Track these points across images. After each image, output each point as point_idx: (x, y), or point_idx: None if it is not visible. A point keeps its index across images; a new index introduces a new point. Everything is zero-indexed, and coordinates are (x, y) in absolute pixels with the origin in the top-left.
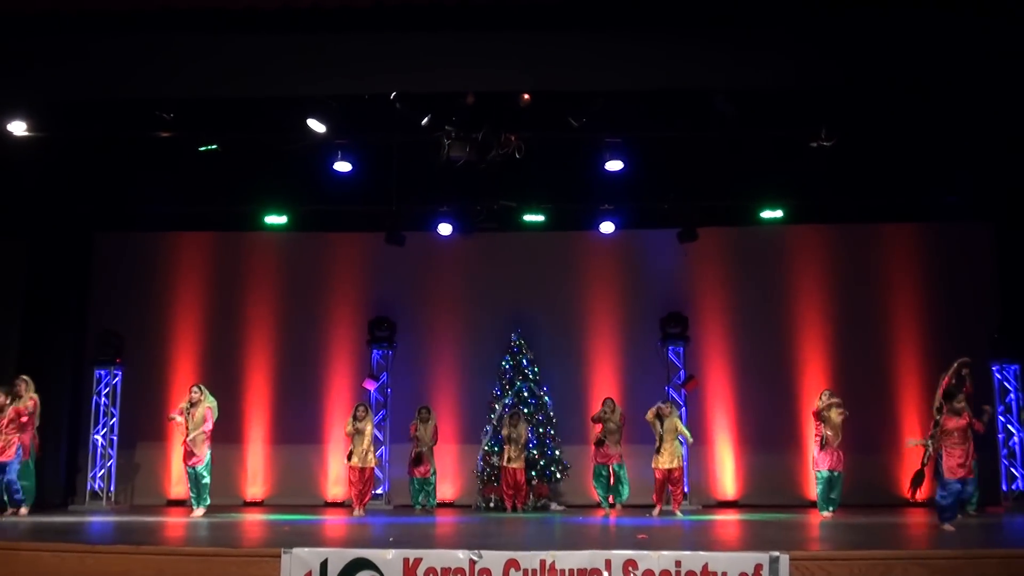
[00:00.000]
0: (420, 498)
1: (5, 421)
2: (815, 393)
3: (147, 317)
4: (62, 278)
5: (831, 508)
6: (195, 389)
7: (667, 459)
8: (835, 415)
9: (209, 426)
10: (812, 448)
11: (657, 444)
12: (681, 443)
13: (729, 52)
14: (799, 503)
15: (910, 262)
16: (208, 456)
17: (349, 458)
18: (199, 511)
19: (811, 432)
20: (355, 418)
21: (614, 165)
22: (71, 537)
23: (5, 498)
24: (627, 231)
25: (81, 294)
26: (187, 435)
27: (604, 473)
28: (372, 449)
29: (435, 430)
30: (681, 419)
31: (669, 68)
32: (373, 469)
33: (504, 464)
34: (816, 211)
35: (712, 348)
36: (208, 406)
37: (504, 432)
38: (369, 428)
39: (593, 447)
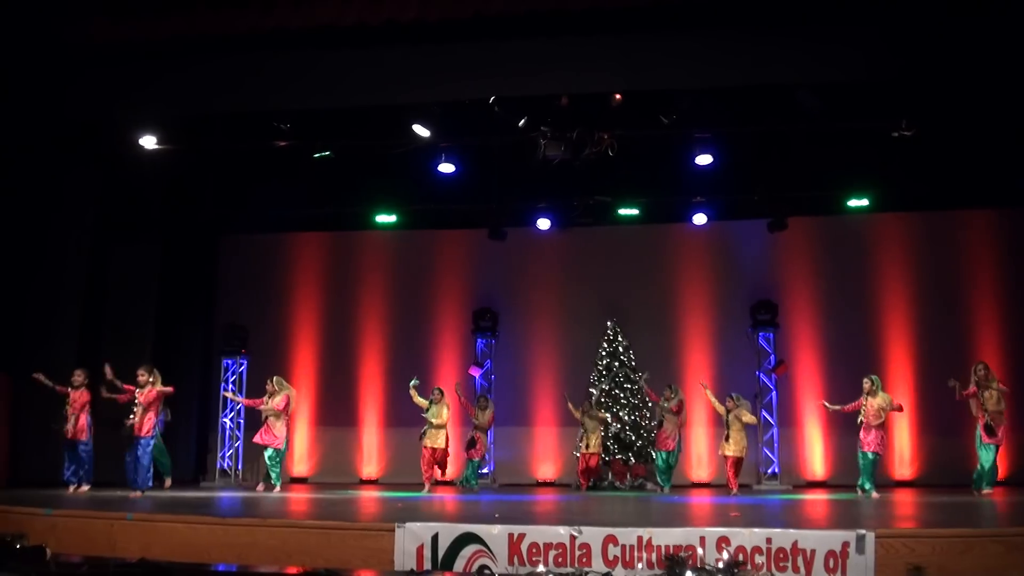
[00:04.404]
0: (470, 476)
1: (145, 398)
2: (900, 376)
3: (269, 311)
4: (191, 277)
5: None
6: (269, 382)
7: (732, 447)
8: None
9: (280, 405)
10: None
11: (726, 433)
12: (745, 432)
13: (807, 49)
14: (885, 483)
15: (990, 247)
16: (284, 441)
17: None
18: (260, 486)
19: (896, 415)
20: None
21: (704, 159)
22: (203, 510)
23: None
24: (718, 222)
25: (209, 291)
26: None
27: (658, 462)
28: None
29: (491, 417)
30: (772, 403)
31: (752, 65)
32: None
33: (582, 451)
34: (899, 199)
35: (801, 334)
36: (285, 394)
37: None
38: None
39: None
